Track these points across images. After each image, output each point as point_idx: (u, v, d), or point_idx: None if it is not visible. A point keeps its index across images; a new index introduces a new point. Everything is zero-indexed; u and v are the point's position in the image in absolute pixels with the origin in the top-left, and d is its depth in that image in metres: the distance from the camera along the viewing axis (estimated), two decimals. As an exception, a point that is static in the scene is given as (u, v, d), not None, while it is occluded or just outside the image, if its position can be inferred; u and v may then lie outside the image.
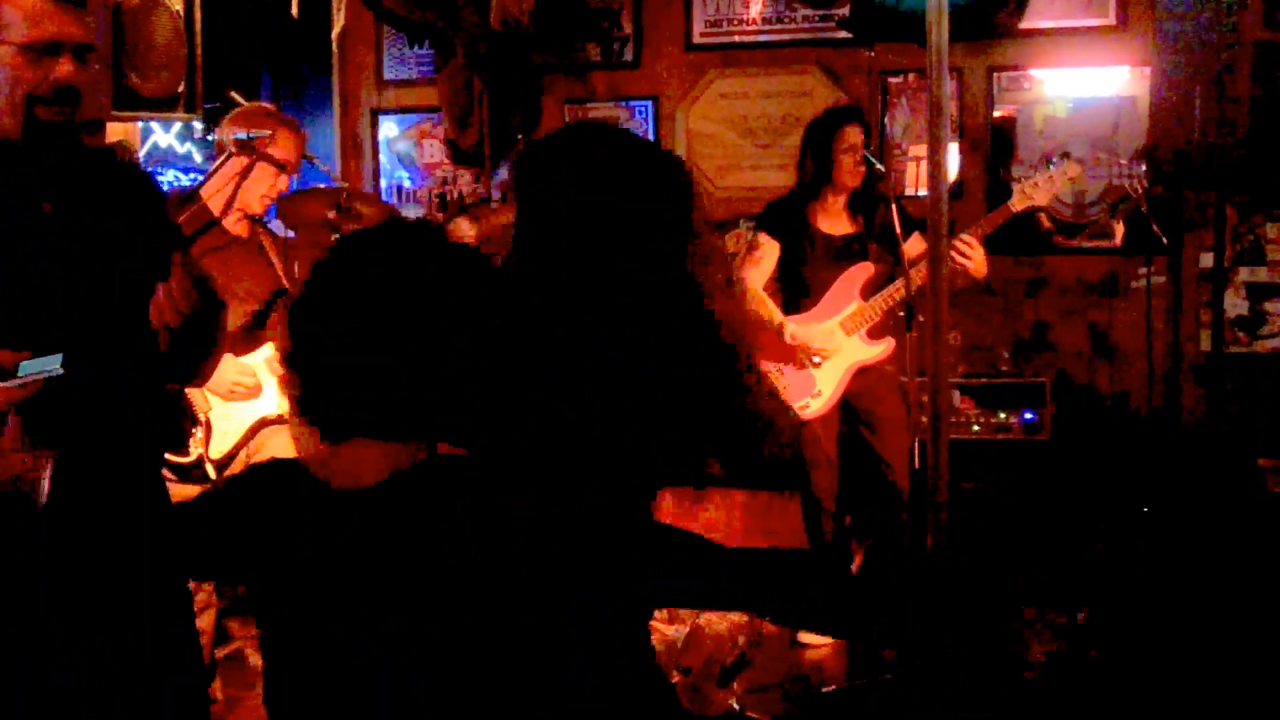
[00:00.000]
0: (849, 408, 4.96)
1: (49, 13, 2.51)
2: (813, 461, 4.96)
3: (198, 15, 5.19)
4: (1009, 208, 4.76)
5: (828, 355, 4.87)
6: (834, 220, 4.94)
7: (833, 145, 4.82)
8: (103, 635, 2.62)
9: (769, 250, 4.97)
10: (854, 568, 5.33)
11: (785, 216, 4.97)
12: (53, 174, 2.61)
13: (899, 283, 4.63)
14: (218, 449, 3.91)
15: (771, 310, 4.93)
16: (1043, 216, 5.95)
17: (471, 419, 1.74)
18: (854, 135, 4.79)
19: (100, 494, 2.64)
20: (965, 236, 4.64)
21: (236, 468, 3.89)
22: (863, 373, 4.91)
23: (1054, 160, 4.99)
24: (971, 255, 4.64)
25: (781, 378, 4.92)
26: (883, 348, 4.89)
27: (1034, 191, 4.75)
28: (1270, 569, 4.62)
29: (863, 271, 4.90)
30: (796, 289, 4.98)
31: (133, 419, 2.80)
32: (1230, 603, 4.52)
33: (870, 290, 4.88)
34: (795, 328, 4.85)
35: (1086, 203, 5.98)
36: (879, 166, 4.75)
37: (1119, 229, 6.02)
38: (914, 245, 4.62)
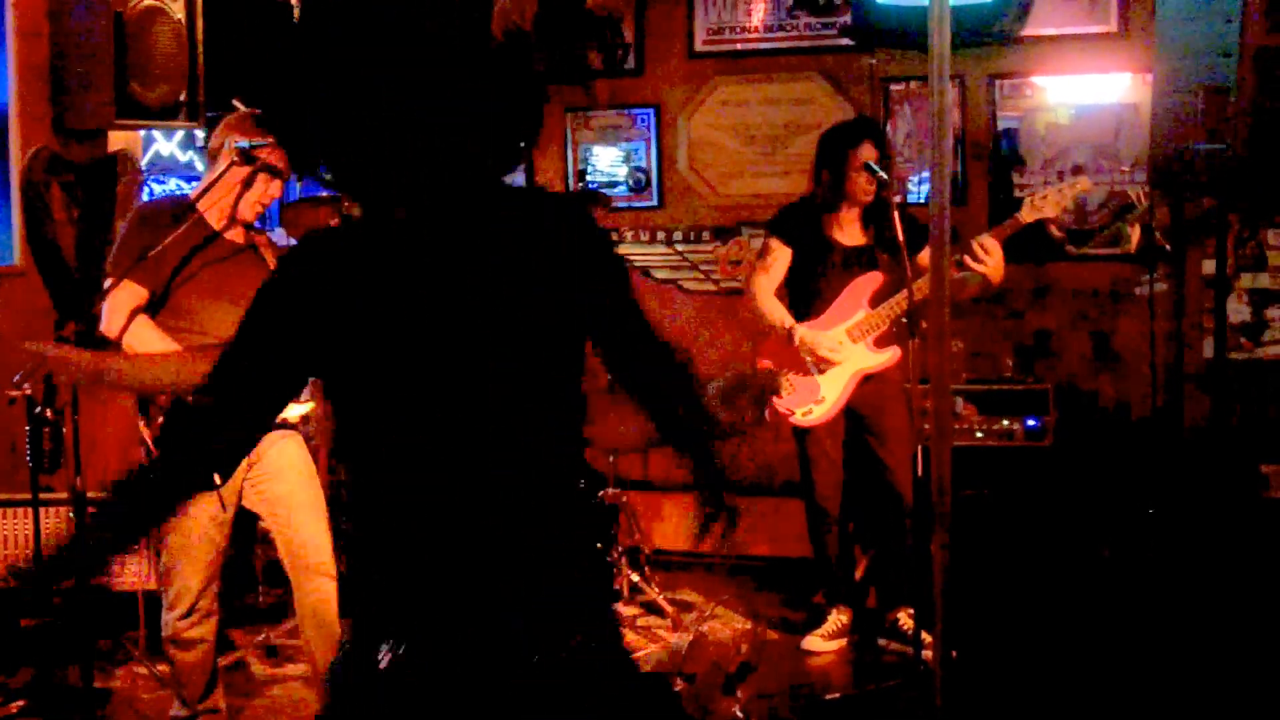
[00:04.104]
0: (854, 415, 4.95)
1: None
2: (815, 463, 4.96)
3: (199, 24, 5.20)
4: (1018, 219, 4.73)
5: (834, 361, 4.87)
6: (848, 231, 4.95)
7: (847, 163, 4.82)
8: None
9: (781, 256, 4.97)
10: (858, 574, 5.32)
11: (799, 223, 4.97)
12: None
13: (905, 292, 4.60)
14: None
15: (782, 314, 4.93)
16: (1052, 227, 5.92)
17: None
18: (868, 153, 4.78)
19: None
20: (984, 239, 4.59)
21: (239, 474, 3.87)
22: (867, 380, 4.91)
23: (1065, 172, 4.98)
24: (988, 258, 4.57)
25: (788, 383, 4.92)
26: (888, 356, 4.89)
27: (1043, 204, 4.73)
28: (1272, 574, 4.61)
29: (871, 281, 4.90)
30: (807, 296, 4.97)
31: None
32: (1233, 607, 4.51)
33: (878, 299, 4.87)
34: (804, 331, 4.86)
35: (1089, 210, 5.97)
36: (882, 175, 4.73)
37: (1124, 236, 6.01)
38: (927, 256, 4.59)
